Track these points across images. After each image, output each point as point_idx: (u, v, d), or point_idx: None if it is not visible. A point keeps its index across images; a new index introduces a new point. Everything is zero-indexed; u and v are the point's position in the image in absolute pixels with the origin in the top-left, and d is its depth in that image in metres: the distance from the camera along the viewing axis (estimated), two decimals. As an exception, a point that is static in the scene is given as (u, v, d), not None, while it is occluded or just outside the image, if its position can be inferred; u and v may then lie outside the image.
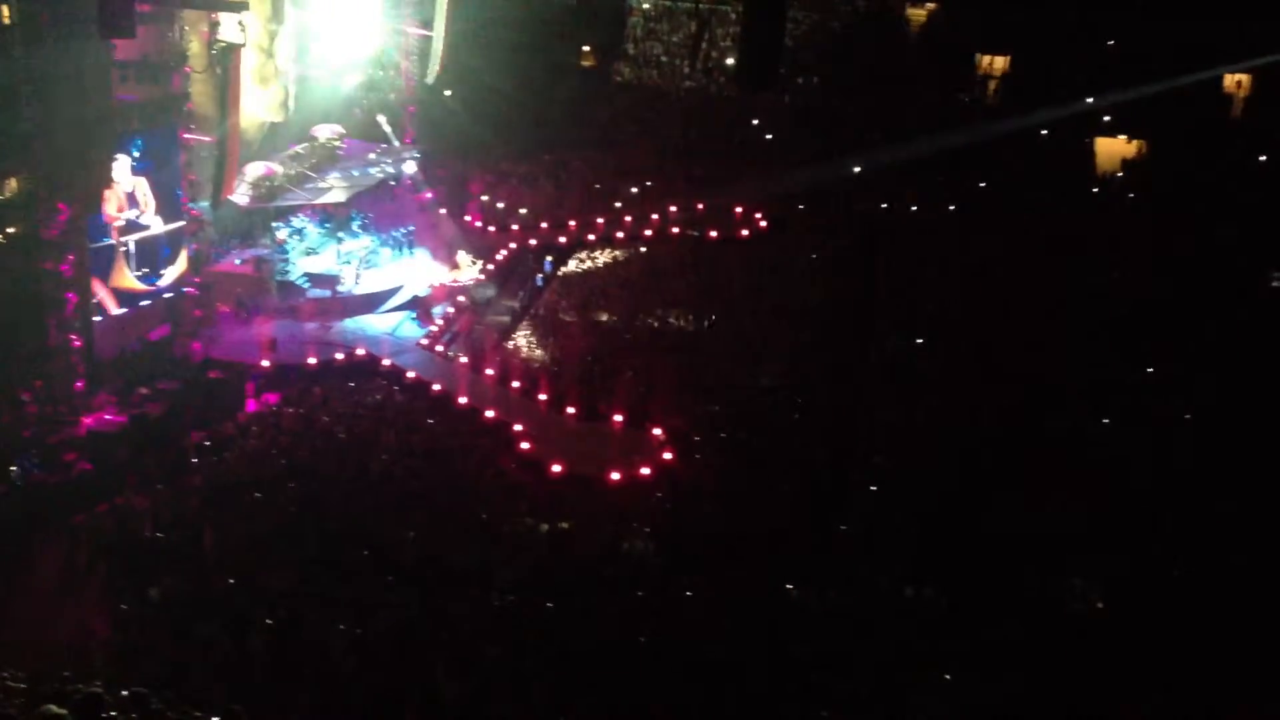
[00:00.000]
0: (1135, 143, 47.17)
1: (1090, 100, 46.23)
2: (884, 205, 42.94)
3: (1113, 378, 30.69)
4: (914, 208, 42.55)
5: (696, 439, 28.37)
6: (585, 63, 54.12)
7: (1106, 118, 46.99)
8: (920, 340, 33.12)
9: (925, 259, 38.14)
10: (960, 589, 22.11)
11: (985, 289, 35.57)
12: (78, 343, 27.89)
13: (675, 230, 41.85)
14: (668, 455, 27.76)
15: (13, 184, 26.15)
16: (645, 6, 54.29)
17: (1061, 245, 37.86)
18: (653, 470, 27.13)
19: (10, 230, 26.22)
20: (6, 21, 25.15)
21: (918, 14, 53.39)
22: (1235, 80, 48.40)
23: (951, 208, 43.08)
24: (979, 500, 25.12)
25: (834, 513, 25.66)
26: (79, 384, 27.81)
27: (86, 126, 26.76)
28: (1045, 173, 44.14)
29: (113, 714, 13.80)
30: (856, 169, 45.12)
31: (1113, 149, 47.45)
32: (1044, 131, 46.37)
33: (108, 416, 27.63)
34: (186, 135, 31.90)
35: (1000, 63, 51.43)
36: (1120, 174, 46.67)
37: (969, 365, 31.17)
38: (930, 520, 24.52)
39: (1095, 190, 45.33)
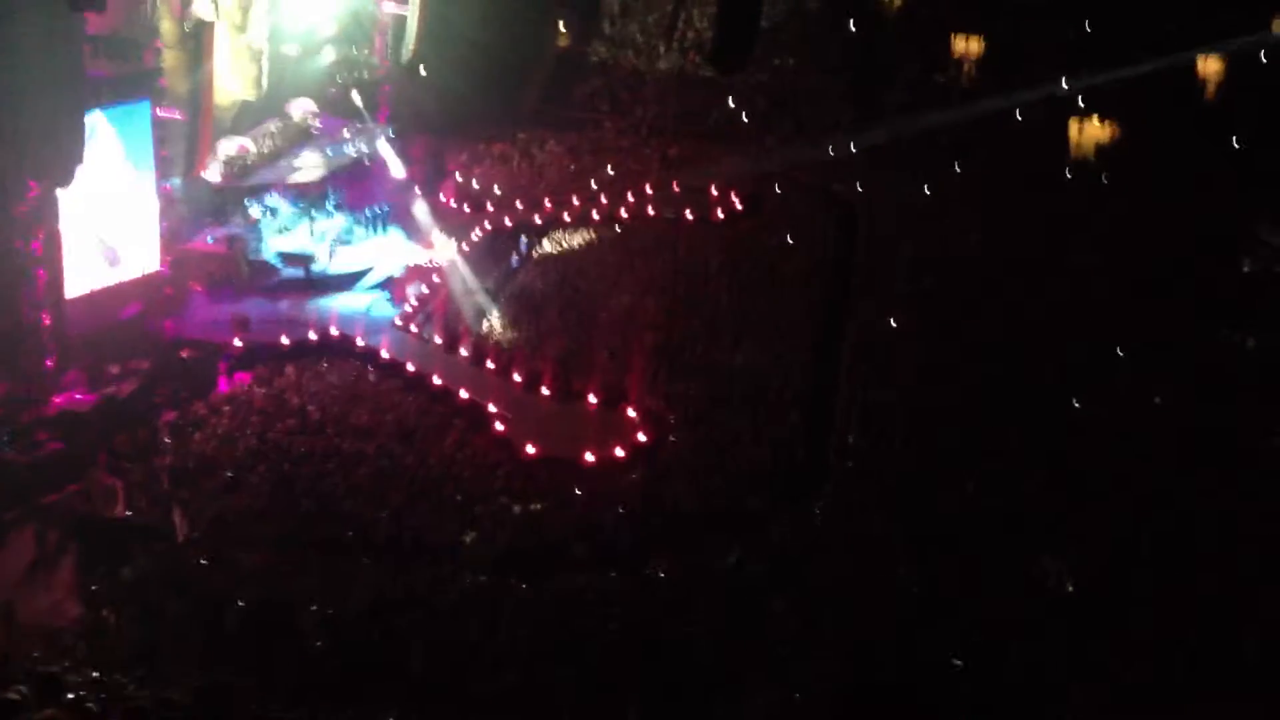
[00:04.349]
0: (1109, 124, 47.27)
1: (1065, 82, 46.32)
2: (860, 186, 42.95)
3: (1087, 358, 30.81)
4: (889, 188, 42.52)
5: (671, 420, 28.36)
6: (561, 42, 53.88)
7: (1081, 100, 47.10)
8: (895, 321, 33.16)
9: (900, 239, 38.19)
10: (934, 568, 22.23)
11: (960, 269, 35.64)
12: (48, 321, 27.63)
13: (651, 211, 41.74)
14: (642, 436, 27.76)
15: (-20, 160, 25.87)
16: (621, -15, 54.05)
17: (1036, 226, 37.95)
18: (627, 451, 27.11)
19: (-22, 206, 25.97)
20: (-28, -5, 24.86)
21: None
22: (1209, 63, 48.55)
23: (926, 189, 43.13)
24: (953, 479, 25.23)
25: (809, 492, 25.76)
26: (50, 362, 27.56)
27: (57, 102, 26.45)
28: (1020, 154, 44.22)
29: (82, 694, 13.75)
30: (832, 150, 45.11)
31: (1087, 131, 47.56)
32: (1019, 113, 46.44)
33: (79, 395, 27.40)
34: (158, 112, 31.59)
35: (976, 45, 51.42)
36: (1095, 156, 46.78)
37: (944, 345, 31.24)
38: (905, 499, 24.64)
39: (1069, 172, 45.44)
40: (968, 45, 51.18)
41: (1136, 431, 27.29)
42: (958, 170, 44.30)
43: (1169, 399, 29.00)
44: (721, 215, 41.56)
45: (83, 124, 27.30)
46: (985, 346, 31.10)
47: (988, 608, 21.00)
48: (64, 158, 26.89)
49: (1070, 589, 22.21)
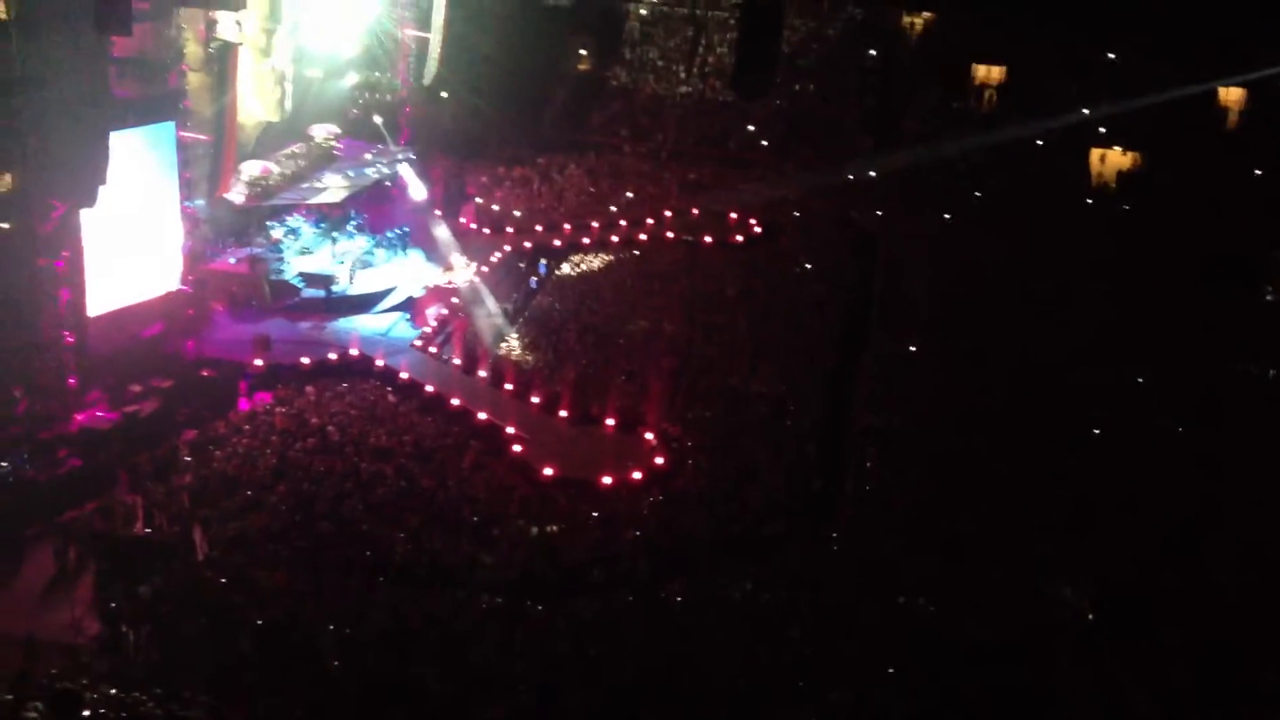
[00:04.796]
0: (1131, 154, 47.24)
1: (1086, 111, 46.35)
2: (878, 213, 42.97)
3: (1105, 386, 30.73)
4: (908, 215, 42.54)
5: (689, 444, 28.37)
6: (581, 66, 54.17)
7: (1102, 129, 47.10)
8: (913, 347, 33.13)
9: (919, 267, 38.18)
10: (950, 596, 22.17)
11: (978, 297, 35.62)
12: (70, 339, 27.85)
13: (669, 235, 41.88)
14: (659, 460, 27.77)
15: (6, 179, 26.09)
16: (642, 11, 54.35)
17: (1055, 253, 37.91)
18: (644, 474, 27.12)
19: (4, 225, 26.16)
20: (2, 16, 25.09)
21: (914, 22, 53.47)
22: (1230, 93, 48.52)
23: (946, 216, 43.13)
24: (970, 505, 25.17)
25: (824, 518, 25.72)
26: (71, 380, 27.76)
27: (82, 123, 26.70)
28: (1040, 182, 44.23)
29: (100, 712, 13.83)
30: (851, 176, 45.17)
31: (1108, 158, 47.55)
32: (1039, 142, 46.49)
33: (99, 414, 27.59)
34: (183, 133, 31.85)
35: (997, 72, 51.51)
36: (1115, 183, 46.76)
37: (961, 372, 31.21)
38: (920, 525, 24.59)
39: (1090, 200, 45.42)
40: (988, 73, 51.29)
41: (1154, 459, 27.20)
42: (977, 197, 44.31)
43: (1188, 428, 28.93)
44: (740, 240, 41.68)
45: (107, 145, 27.55)
46: (1003, 372, 31.06)
47: (1002, 632, 20.97)
48: (88, 178, 27.14)
49: (1090, 617, 22.13)
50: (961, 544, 23.80)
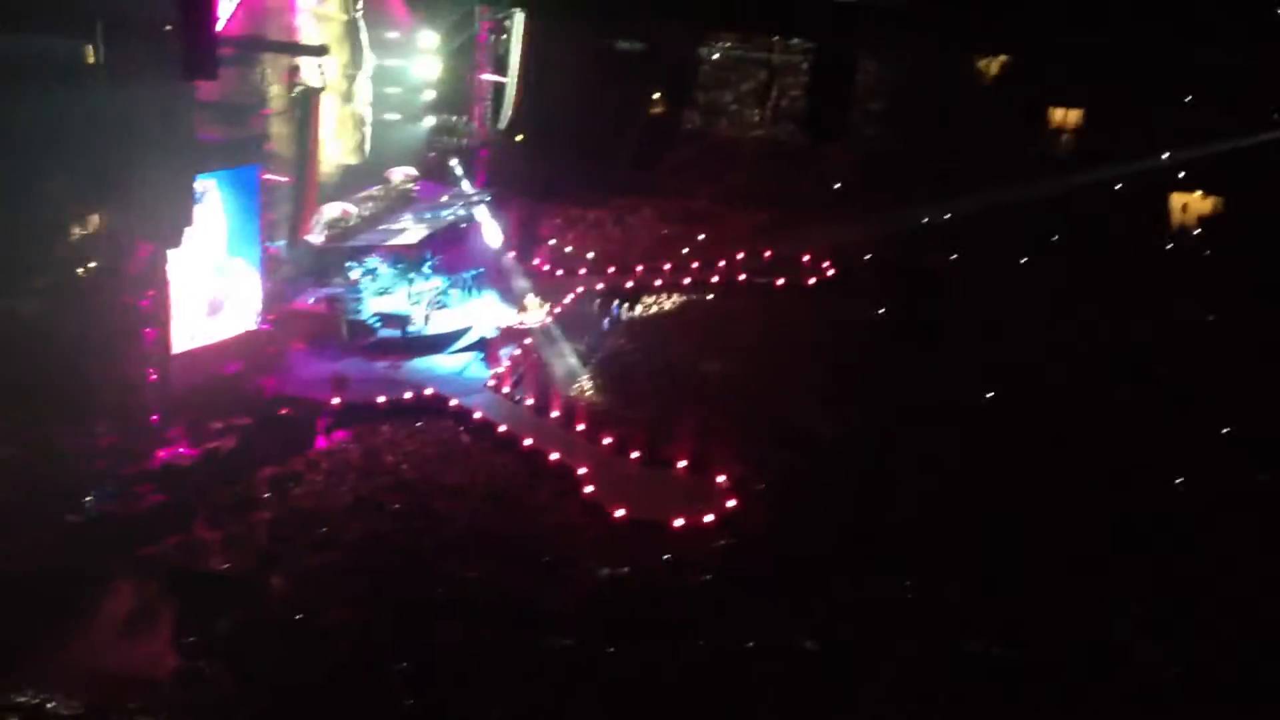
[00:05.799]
0: (1212, 199, 46.57)
1: (1166, 155, 45.80)
2: (952, 257, 42.72)
3: (1185, 436, 30.25)
4: (982, 261, 42.24)
5: (760, 487, 28.30)
6: (655, 110, 54.54)
7: (1182, 173, 46.50)
8: (990, 394, 32.82)
9: (992, 313, 37.88)
10: (1019, 645, 21.92)
11: (1054, 345, 35.23)
12: (154, 376, 28.44)
13: (742, 277, 41.96)
14: (731, 502, 27.72)
15: (95, 220, 26.82)
16: (715, 56, 54.65)
17: (1133, 300, 37.45)
18: (715, 517, 27.08)
19: (92, 264, 26.86)
20: (91, 61, 25.88)
21: (990, 65, 53.19)
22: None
23: (1022, 261, 42.77)
24: (1046, 558, 24.87)
25: (888, 561, 25.49)
26: (154, 417, 28.33)
27: (168, 165, 27.35)
28: (1118, 227, 43.74)
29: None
30: (924, 220, 44.98)
31: (1190, 208, 46.91)
32: (1117, 186, 45.97)
33: (181, 450, 28.07)
34: (265, 176, 32.50)
35: (1074, 116, 51.07)
36: (1197, 231, 46.12)
37: (1038, 420, 30.85)
38: (992, 574, 24.33)
39: (1169, 246, 44.83)
40: (1065, 116, 50.87)
41: (1238, 517, 26.73)
42: (1053, 242, 43.92)
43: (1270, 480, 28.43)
44: (812, 283, 41.64)
45: (192, 187, 28.20)
46: (1079, 420, 30.67)
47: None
48: (175, 219, 27.78)
49: (1174, 670, 21.74)
50: (1022, 594, 23.57)
